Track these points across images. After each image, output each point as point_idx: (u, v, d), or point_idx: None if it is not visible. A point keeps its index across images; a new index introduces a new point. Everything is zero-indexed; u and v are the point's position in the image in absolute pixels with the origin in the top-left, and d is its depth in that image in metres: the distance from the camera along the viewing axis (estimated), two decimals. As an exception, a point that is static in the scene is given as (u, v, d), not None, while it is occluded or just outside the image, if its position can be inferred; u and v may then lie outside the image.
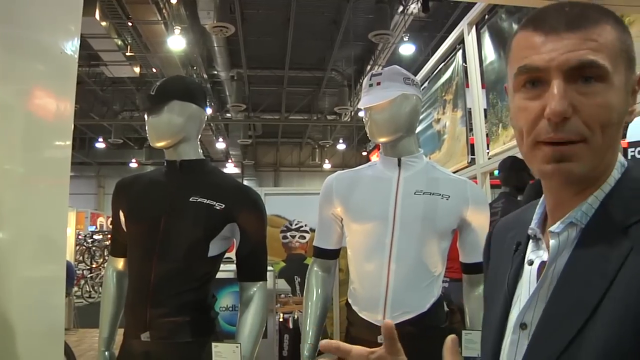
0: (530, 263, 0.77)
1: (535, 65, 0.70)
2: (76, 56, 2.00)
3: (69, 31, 1.99)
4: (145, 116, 1.84)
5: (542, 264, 0.75)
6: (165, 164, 1.91)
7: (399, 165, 1.83)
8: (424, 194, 1.78)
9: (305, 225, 5.46)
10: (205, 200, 1.79)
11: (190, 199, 1.79)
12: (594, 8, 0.73)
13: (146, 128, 1.84)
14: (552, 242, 0.73)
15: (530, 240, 0.80)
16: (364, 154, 19.44)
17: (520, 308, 0.75)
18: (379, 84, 1.79)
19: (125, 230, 1.89)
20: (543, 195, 0.80)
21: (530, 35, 0.72)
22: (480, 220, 1.83)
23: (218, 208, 1.79)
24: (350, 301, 1.86)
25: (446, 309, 1.85)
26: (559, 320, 0.68)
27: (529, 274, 0.77)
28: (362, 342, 1.78)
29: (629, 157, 5.27)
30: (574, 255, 0.71)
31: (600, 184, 0.73)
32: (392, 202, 1.78)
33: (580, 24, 0.69)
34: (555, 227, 0.73)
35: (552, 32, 0.70)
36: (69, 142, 2.01)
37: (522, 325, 0.74)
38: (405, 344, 1.79)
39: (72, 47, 1.98)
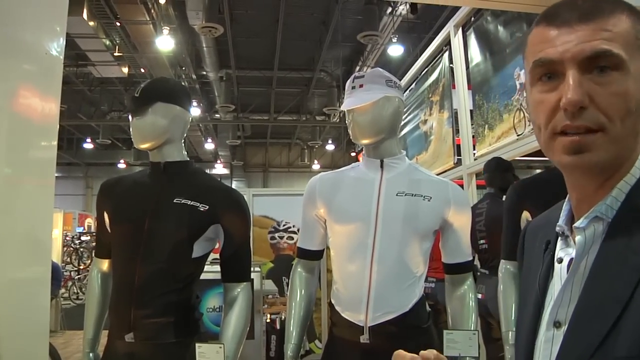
0: (560, 261, 0.77)
1: (550, 58, 0.71)
2: (61, 57, 2.00)
3: (54, 32, 1.99)
4: (130, 118, 1.85)
5: (572, 260, 0.75)
6: (149, 166, 1.91)
7: (382, 166, 1.85)
8: (405, 195, 1.80)
9: (294, 226, 5.47)
10: (189, 202, 1.80)
11: (174, 200, 1.80)
12: (607, 0, 0.73)
13: (131, 130, 1.85)
14: (578, 237, 0.74)
15: (559, 238, 0.80)
16: (353, 154, 19.46)
17: (552, 306, 0.75)
18: (361, 86, 1.80)
19: (109, 231, 1.89)
20: (569, 193, 0.80)
21: (544, 30, 0.73)
22: (461, 222, 1.86)
23: (202, 209, 1.80)
24: (333, 301, 1.87)
25: (428, 309, 1.87)
26: (592, 316, 0.68)
27: (560, 271, 0.77)
28: (344, 342, 1.82)
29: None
30: (603, 249, 0.71)
31: (622, 175, 0.72)
32: (374, 203, 1.80)
33: (593, 15, 0.70)
34: (580, 223, 0.74)
35: (565, 25, 0.71)
36: (55, 143, 2.01)
37: (556, 324, 0.74)
38: (387, 343, 1.81)
39: (57, 47, 1.98)
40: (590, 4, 0.72)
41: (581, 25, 0.70)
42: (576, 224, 0.74)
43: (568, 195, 0.80)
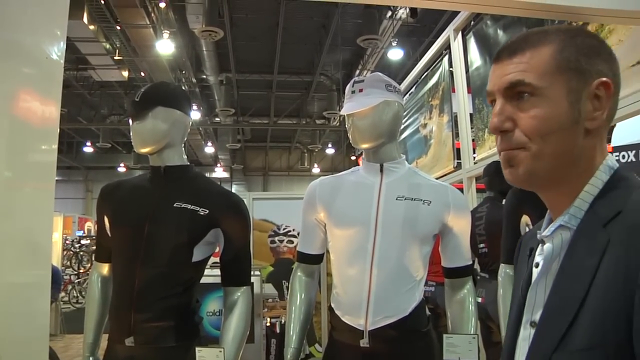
0: (537, 266, 0.85)
1: (489, 90, 0.85)
2: (62, 61, 1.99)
3: (55, 35, 1.99)
4: (130, 122, 1.85)
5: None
6: (150, 170, 1.92)
7: (381, 171, 1.85)
8: (405, 199, 1.80)
9: (293, 230, 5.46)
10: (189, 206, 1.80)
11: (175, 205, 1.80)
12: (539, 33, 0.84)
13: (131, 134, 1.85)
14: (546, 245, 0.83)
15: (540, 245, 0.87)
16: (353, 158, 19.46)
17: (527, 307, 0.84)
18: (361, 90, 1.81)
19: (109, 235, 1.90)
20: None
21: (492, 66, 0.87)
22: (461, 225, 1.86)
23: (202, 213, 1.80)
24: (333, 305, 1.87)
25: (428, 313, 1.87)
26: (555, 315, 0.76)
27: (536, 276, 0.85)
28: (344, 346, 1.82)
29: (613, 162, 5.33)
30: (567, 255, 0.79)
31: (583, 185, 0.81)
32: (374, 208, 1.80)
33: (516, 51, 0.82)
34: (545, 232, 0.83)
35: (498, 61, 0.85)
36: (55, 146, 2.00)
37: (532, 323, 0.82)
38: (387, 347, 1.82)
39: (57, 51, 1.97)
40: (521, 40, 0.84)
41: (507, 61, 0.83)
42: (543, 233, 0.84)
43: None
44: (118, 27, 10.62)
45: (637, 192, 0.77)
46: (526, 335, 0.83)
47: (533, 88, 0.79)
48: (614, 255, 0.71)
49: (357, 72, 12.96)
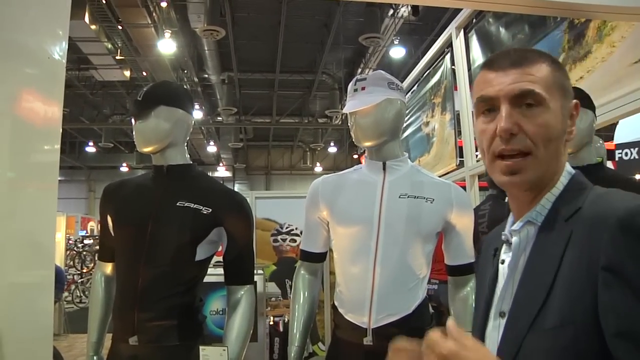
0: (502, 262, 0.95)
1: (489, 96, 0.91)
2: (64, 61, 1.99)
3: (57, 35, 1.99)
4: (133, 121, 1.85)
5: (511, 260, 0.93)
6: (152, 169, 1.92)
7: (384, 169, 1.85)
8: (408, 197, 1.80)
9: (296, 229, 5.46)
10: (192, 205, 1.80)
11: (177, 204, 1.80)
12: (533, 52, 0.95)
13: (133, 133, 1.85)
14: (514, 239, 0.93)
15: (504, 244, 0.97)
16: (355, 156, 19.46)
17: (497, 299, 0.93)
18: (363, 88, 1.81)
19: (112, 235, 1.90)
20: (510, 205, 0.97)
21: (485, 74, 0.93)
22: (464, 223, 1.85)
23: (205, 212, 1.80)
24: (336, 303, 1.87)
25: (431, 310, 1.87)
26: (526, 302, 0.85)
27: (503, 271, 0.94)
28: (348, 344, 1.82)
29: (617, 159, 5.32)
30: (533, 248, 0.89)
31: (550, 188, 0.91)
32: (377, 206, 1.80)
33: (521, 63, 0.90)
34: (515, 226, 0.93)
35: (500, 70, 0.91)
36: (58, 146, 2.01)
37: (501, 314, 0.91)
38: (390, 345, 1.81)
39: (59, 51, 1.98)
40: (520, 54, 0.92)
41: (512, 70, 0.90)
42: (513, 227, 0.93)
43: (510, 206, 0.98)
44: (120, 27, 10.63)
45: (592, 192, 0.89)
46: (496, 325, 0.92)
47: (541, 98, 0.88)
48: (577, 245, 0.81)
49: (359, 70, 12.96)
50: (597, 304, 0.76)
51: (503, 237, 0.96)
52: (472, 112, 0.98)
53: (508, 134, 0.87)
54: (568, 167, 0.94)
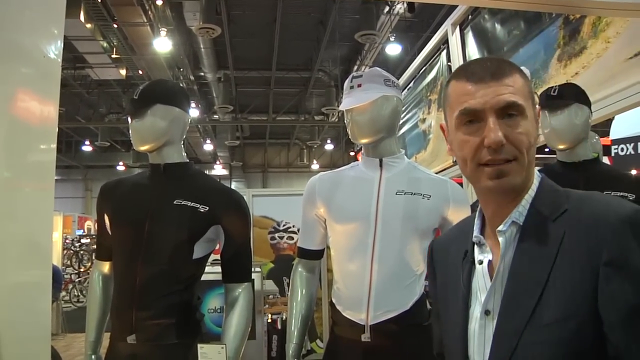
0: (480, 262, 0.98)
1: (473, 108, 0.93)
2: (59, 60, 1.99)
3: (52, 34, 1.99)
4: (129, 120, 1.85)
5: (489, 262, 0.97)
6: (149, 168, 1.92)
7: (381, 165, 1.86)
8: (405, 194, 1.80)
9: (294, 226, 5.46)
10: (189, 203, 1.80)
11: (175, 202, 1.80)
12: (505, 62, 0.98)
13: (130, 132, 1.85)
14: (501, 239, 0.94)
15: (475, 246, 1.01)
16: (352, 154, 19.46)
17: (482, 299, 0.94)
18: (359, 85, 1.81)
19: (110, 233, 1.90)
20: (478, 209, 1.02)
21: (464, 85, 0.95)
22: (461, 219, 1.86)
23: (202, 210, 1.80)
24: (334, 301, 1.88)
25: (429, 307, 1.87)
26: (519, 299, 0.88)
27: (481, 270, 0.98)
28: (346, 341, 1.82)
29: (613, 154, 5.32)
30: (519, 247, 0.92)
31: (527, 190, 0.96)
32: (374, 203, 1.80)
33: (501, 75, 0.93)
34: (501, 227, 0.95)
35: (481, 82, 0.93)
36: (54, 146, 2.00)
37: (487, 312, 0.93)
38: (388, 342, 1.82)
39: (55, 50, 1.97)
40: (495, 65, 0.95)
41: (493, 82, 0.92)
42: (499, 228, 0.95)
43: (477, 212, 1.02)
44: (115, 26, 10.59)
45: (573, 194, 0.94)
46: (482, 324, 0.94)
47: (522, 109, 0.92)
48: (573, 244, 0.86)
49: (355, 67, 12.95)
50: (597, 299, 0.81)
51: (475, 239, 1.00)
52: (449, 123, 1.00)
53: (499, 145, 0.90)
54: (536, 170, 1.00)
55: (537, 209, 0.94)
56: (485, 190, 0.96)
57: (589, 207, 0.90)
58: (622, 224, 0.83)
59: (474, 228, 1.02)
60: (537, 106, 0.99)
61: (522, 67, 1.07)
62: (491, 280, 0.94)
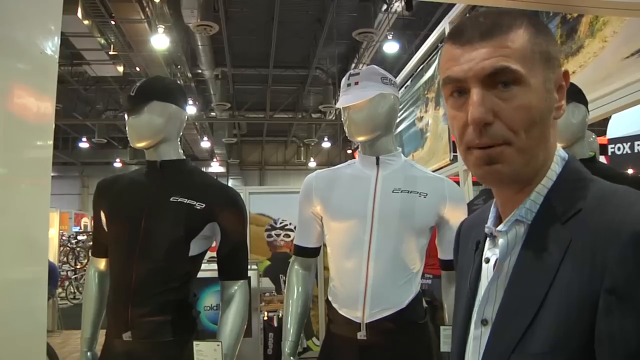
0: (487, 261, 0.82)
1: (456, 77, 0.75)
2: (56, 56, 1.98)
3: (49, 30, 1.98)
4: (126, 117, 1.84)
5: (497, 261, 0.79)
6: (146, 164, 1.91)
7: (378, 163, 1.86)
8: (402, 192, 1.81)
9: (290, 224, 5.46)
10: (185, 200, 1.80)
11: (171, 199, 1.80)
12: (507, 15, 0.76)
13: (126, 129, 1.84)
14: (500, 240, 0.78)
15: (487, 239, 0.84)
16: (349, 152, 19.46)
17: (479, 305, 0.80)
18: (357, 83, 1.81)
19: (106, 230, 1.89)
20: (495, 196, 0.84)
21: (451, 48, 0.77)
22: (458, 218, 1.86)
23: (198, 207, 1.80)
24: (330, 298, 1.88)
25: (425, 305, 1.88)
26: (513, 314, 0.72)
27: (487, 271, 0.81)
28: (342, 339, 1.82)
29: (609, 153, 5.33)
30: (523, 252, 0.75)
31: (539, 179, 0.76)
32: (370, 200, 1.80)
33: (493, 33, 0.73)
34: (501, 227, 0.78)
35: (467, 44, 0.74)
36: (50, 142, 1.99)
37: (483, 321, 0.78)
38: (384, 339, 1.82)
39: (52, 46, 1.96)
40: (491, 21, 0.75)
41: (482, 44, 0.73)
42: (498, 228, 0.78)
43: (495, 198, 0.84)
44: (113, 22, 10.56)
45: (595, 187, 0.75)
46: (477, 334, 0.79)
47: (519, 75, 0.72)
48: (578, 257, 0.68)
49: (353, 65, 12.94)
50: (593, 331, 0.64)
51: (487, 230, 0.82)
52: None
53: (481, 124, 0.72)
54: (560, 152, 0.79)
55: (551, 203, 0.74)
56: (476, 177, 0.77)
57: (604, 209, 0.69)
58: (635, 243, 0.63)
59: (489, 216, 0.83)
60: (562, 69, 0.78)
61: None
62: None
